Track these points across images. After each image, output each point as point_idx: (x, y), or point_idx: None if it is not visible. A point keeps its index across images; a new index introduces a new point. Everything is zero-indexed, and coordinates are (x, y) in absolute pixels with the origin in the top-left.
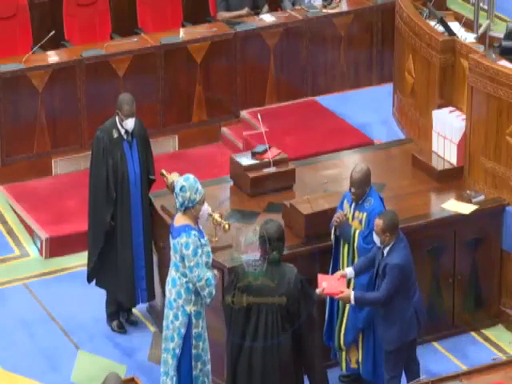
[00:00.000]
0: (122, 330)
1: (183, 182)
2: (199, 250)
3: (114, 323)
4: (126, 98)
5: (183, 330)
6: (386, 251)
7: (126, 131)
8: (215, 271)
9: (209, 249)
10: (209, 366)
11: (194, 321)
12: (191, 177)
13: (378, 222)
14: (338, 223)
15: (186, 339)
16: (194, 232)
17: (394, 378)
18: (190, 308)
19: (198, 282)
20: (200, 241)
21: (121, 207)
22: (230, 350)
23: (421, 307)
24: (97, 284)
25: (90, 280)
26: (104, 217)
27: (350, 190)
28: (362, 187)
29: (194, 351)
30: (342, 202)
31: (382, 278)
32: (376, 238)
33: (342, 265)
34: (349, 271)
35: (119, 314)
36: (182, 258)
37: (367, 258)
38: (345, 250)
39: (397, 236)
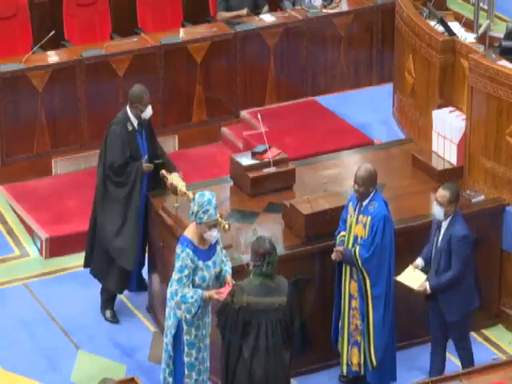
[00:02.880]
0: (114, 319)
1: (199, 195)
2: (185, 270)
3: (108, 312)
4: (142, 88)
5: (173, 331)
6: (445, 224)
7: (139, 123)
8: (206, 293)
9: (205, 273)
10: (205, 376)
11: (184, 327)
12: (207, 196)
13: (444, 193)
14: (339, 258)
15: (177, 343)
16: (188, 250)
17: (464, 350)
18: (180, 313)
19: (175, 296)
20: (193, 262)
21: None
22: (225, 361)
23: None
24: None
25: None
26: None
27: (353, 187)
28: (365, 185)
29: (186, 359)
30: (347, 206)
31: (446, 252)
32: (439, 211)
33: (344, 283)
34: (419, 261)
35: (113, 303)
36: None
37: (429, 246)
38: (347, 270)
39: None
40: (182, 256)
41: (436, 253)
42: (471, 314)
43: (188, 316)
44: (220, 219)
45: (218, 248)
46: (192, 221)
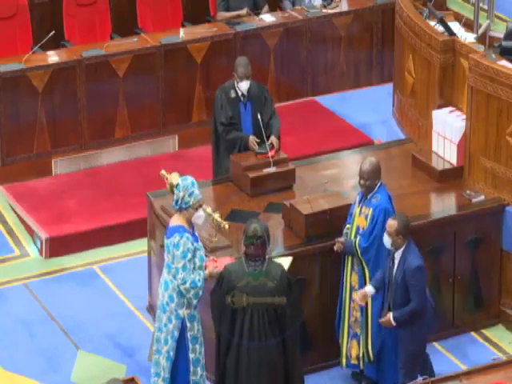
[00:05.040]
0: None
1: (180, 180)
2: (189, 254)
3: None
4: (242, 61)
5: (177, 333)
6: (397, 255)
7: (242, 94)
8: (206, 272)
9: (202, 253)
10: (204, 372)
11: (188, 324)
12: (190, 178)
13: (392, 223)
14: (341, 249)
15: (182, 343)
16: (187, 234)
17: (411, 377)
18: (183, 311)
19: (182, 285)
20: (193, 244)
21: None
22: (218, 346)
23: (432, 302)
24: None
25: None
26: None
27: (359, 182)
28: (370, 179)
29: (191, 355)
30: (355, 200)
31: (401, 287)
32: (387, 240)
33: (346, 274)
34: (368, 289)
35: None
36: (174, 258)
37: (383, 272)
38: (349, 261)
39: (408, 239)
40: (183, 241)
41: (392, 287)
42: (426, 341)
43: (195, 301)
44: (220, 219)
45: (197, 233)
46: (176, 210)
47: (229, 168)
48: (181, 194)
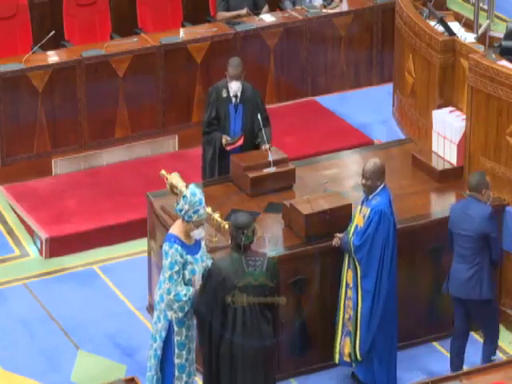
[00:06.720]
0: None
1: (190, 194)
2: (176, 266)
3: None
4: (233, 61)
5: (164, 334)
6: None
7: (235, 95)
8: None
9: (195, 267)
10: (194, 378)
11: (175, 328)
12: (198, 195)
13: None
14: (338, 244)
15: (168, 344)
16: (176, 246)
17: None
18: (171, 314)
19: (167, 295)
20: (182, 257)
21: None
22: (210, 339)
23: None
24: None
25: None
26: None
27: (361, 182)
28: (371, 179)
29: (177, 360)
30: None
31: None
32: None
33: (343, 272)
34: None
35: None
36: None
37: None
38: (346, 259)
39: None
40: (171, 252)
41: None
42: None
43: (180, 314)
44: (220, 219)
45: (202, 243)
46: (179, 216)
47: (212, 165)
48: (186, 206)
